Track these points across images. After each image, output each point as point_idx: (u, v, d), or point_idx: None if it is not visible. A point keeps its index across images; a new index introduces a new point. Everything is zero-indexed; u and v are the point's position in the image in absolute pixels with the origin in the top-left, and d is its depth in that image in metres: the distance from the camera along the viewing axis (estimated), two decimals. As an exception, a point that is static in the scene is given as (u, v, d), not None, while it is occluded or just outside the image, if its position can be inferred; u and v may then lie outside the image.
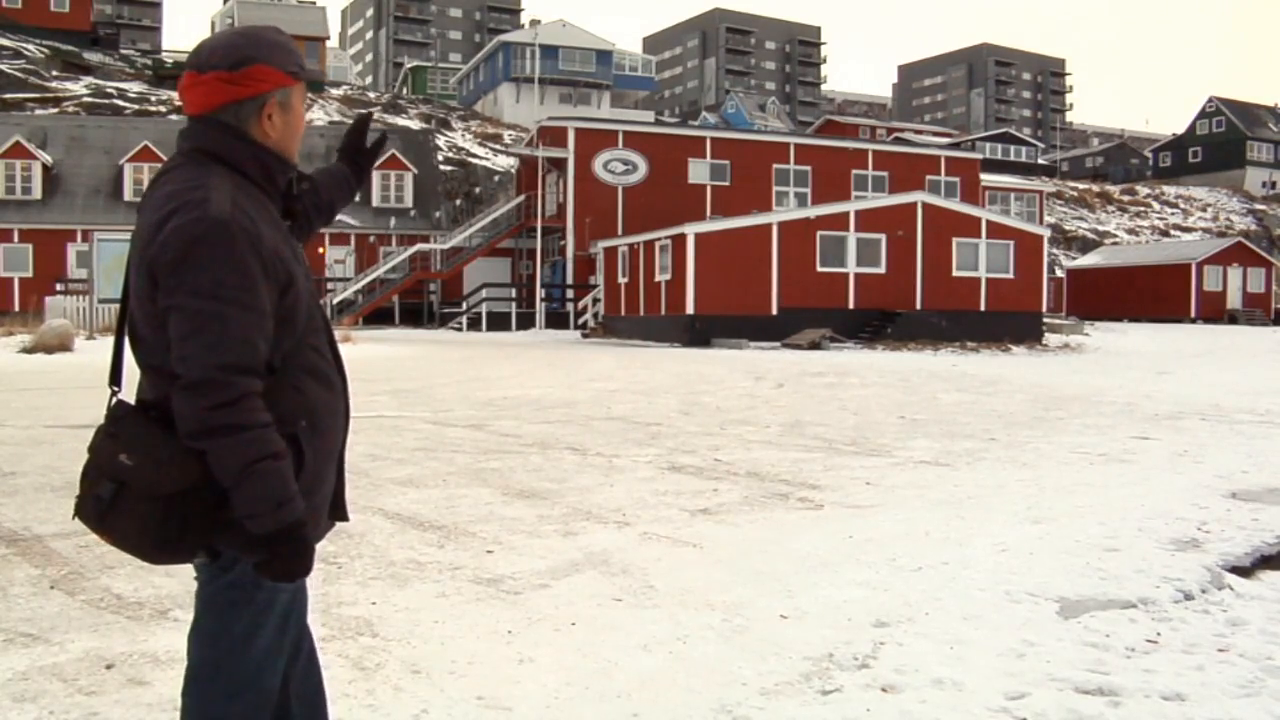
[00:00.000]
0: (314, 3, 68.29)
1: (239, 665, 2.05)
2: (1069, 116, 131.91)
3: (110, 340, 2.22)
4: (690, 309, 28.11)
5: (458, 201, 48.00)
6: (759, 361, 20.28)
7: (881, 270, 29.60)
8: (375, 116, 2.78)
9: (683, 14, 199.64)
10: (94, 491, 1.94)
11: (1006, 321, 29.94)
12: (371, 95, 66.10)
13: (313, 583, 2.44)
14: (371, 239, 40.30)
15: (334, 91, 61.19)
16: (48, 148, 39.53)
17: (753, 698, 3.23)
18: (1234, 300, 45.94)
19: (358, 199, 40.77)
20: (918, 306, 29.63)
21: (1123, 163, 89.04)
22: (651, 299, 30.90)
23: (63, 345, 18.73)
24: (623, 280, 33.10)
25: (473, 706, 3.14)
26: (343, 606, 4.09)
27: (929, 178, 42.03)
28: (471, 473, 7.21)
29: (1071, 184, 73.67)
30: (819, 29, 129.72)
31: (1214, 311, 45.03)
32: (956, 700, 3.21)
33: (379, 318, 37.50)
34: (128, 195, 38.31)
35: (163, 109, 49.98)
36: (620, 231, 36.42)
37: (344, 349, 2.37)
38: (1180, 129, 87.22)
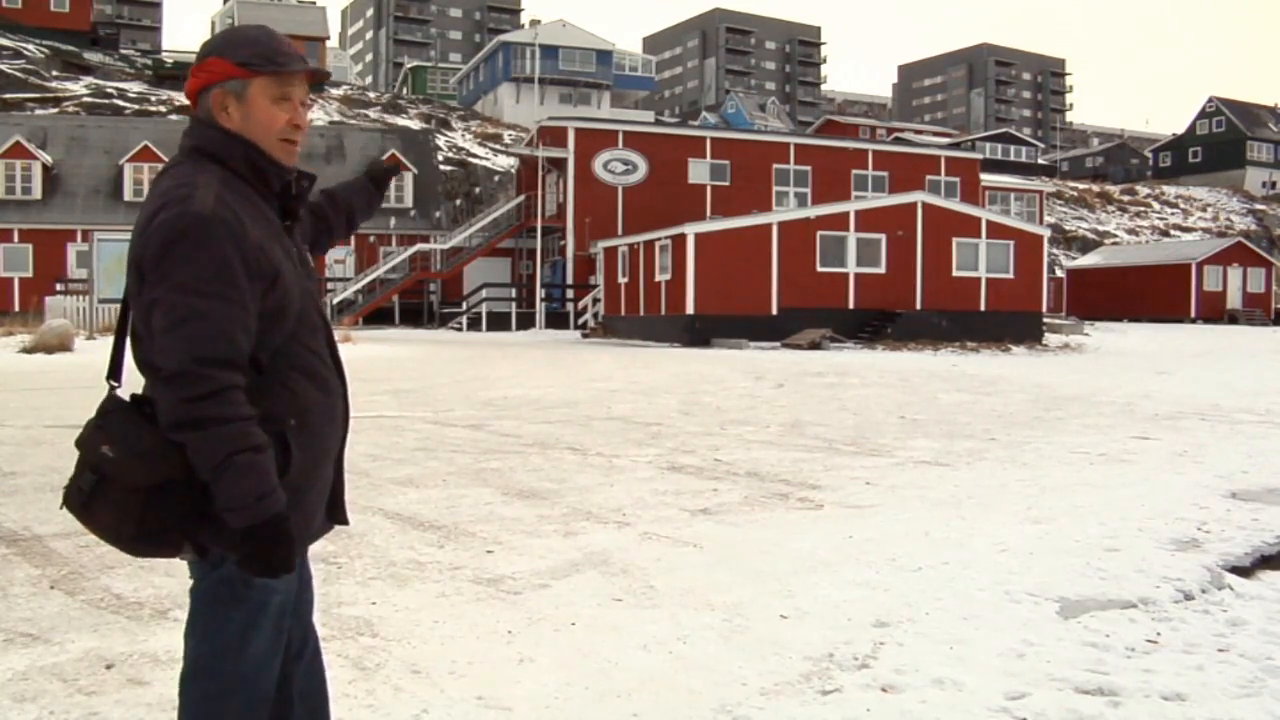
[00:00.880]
0: (314, 3, 68.29)
1: (233, 665, 2.05)
2: (1069, 116, 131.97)
3: (111, 340, 2.23)
4: (690, 309, 28.11)
5: (458, 201, 48.01)
6: (759, 361, 20.28)
7: (881, 270, 29.60)
8: (389, 156, 2.84)
9: (683, 14, 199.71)
10: (76, 482, 1.97)
11: (1006, 321, 29.94)
12: (371, 95, 66.10)
13: (313, 583, 2.43)
14: (371, 239, 40.29)
15: (334, 91, 61.19)
16: (48, 148, 39.53)
17: (753, 698, 3.23)
18: (1234, 300, 45.94)
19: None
20: (918, 306, 29.63)
21: (1123, 163, 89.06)
22: (651, 299, 30.90)
23: (63, 345, 18.73)
24: (623, 280, 33.10)
25: (473, 706, 3.14)
26: (343, 606, 4.09)
27: (929, 178, 42.03)
28: (472, 473, 7.21)
29: (1071, 184, 73.68)
30: (819, 29, 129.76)
31: (1214, 311, 45.03)
32: (956, 700, 3.21)
33: (379, 318, 37.50)
34: (128, 195, 38.32)
35: (163, 109, 49.99)
36: (620, 231, 36.42)
37: (344, 349, 2.37)
38: (1180, 129, 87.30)
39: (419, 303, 39.93)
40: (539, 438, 9.04)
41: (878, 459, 8.14)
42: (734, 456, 8.15)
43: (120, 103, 50.28)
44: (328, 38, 63.91)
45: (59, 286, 32.89)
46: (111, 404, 2.00)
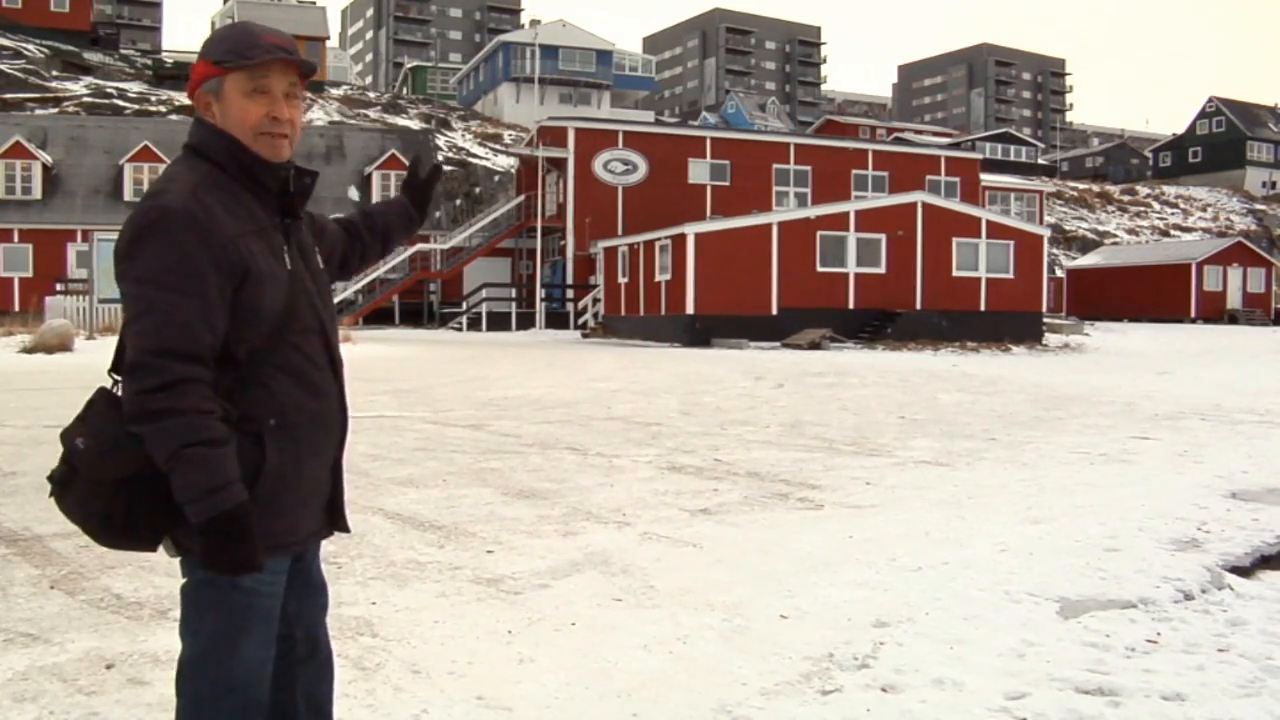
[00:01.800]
0: (314, 3, 68.29)
1: (223, 667, 2.05)
2: (1069, 116, 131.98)
3: (111, 340, 2.21)
4: (690, 309, 28.11)
5: (458, 201, 48.00)
6: (759, 361, 20.28)
7: (881, 270, 29.60)
8: (418, 157, 2.71)
9: (683, 14, 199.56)
10: (51, 473, 2.00)
11: (1006, 321, 29.94)
12: (371, 95, 66.11)
13: (326, 589, 2.43)
14: (371, 239, 40.23)
15: (334, 91, 61.20)
16: (48, 148, 39.52)
17: (753, 698, 3.23)
18: (1234, 300, 45.93)
19: (356, 197, 40.82)
20: (918, 306, 29.63)
21: (1123, 163, 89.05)
22: (651, 299, 30.90)
23: (63, 345, 18.72)
24: (623, 280, 33.10)
25: (473, 706, 3.14)
26: (343, 606, 4.09)
27: (929, 178, 42.03)
28: (471, 473, 7.21)
29: (1071, 184, 73.68)
30: (819, 29, 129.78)
31: (1214, 311, 45.02)
32: (956, 700, 3.21)
33: (379, 318, 37.50)
34: (128, 195, 38.31)
35: (163, 109, 50.00)
36: (620, 231, 36.42)
37: (344, 349, 2.35)
38: (1180, 129, 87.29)
39: (419, 303, 39.92)
40: (539, 438, 9.04)
41: (878, 459, 8.14)
42: (734, 456, 8.15)
43: (120, 103, 50.29)
44: (328, 38, 63.88)
45: (59, 286, 32.87)
46: (96, 396, 2.01)
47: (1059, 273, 50.95)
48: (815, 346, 26.11)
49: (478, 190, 49.65)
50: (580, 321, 36.98)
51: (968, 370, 18.97)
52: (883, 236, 29.57)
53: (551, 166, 39.44)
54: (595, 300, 36.42)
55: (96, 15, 64.92)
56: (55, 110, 46.98)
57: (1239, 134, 79.51)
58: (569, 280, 38.49)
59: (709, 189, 39.19)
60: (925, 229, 29.97)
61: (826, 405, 12.23)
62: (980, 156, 48.87)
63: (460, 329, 36.05)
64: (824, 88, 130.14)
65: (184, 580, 2.09)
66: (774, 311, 28.36)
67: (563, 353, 23.54)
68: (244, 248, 1.97)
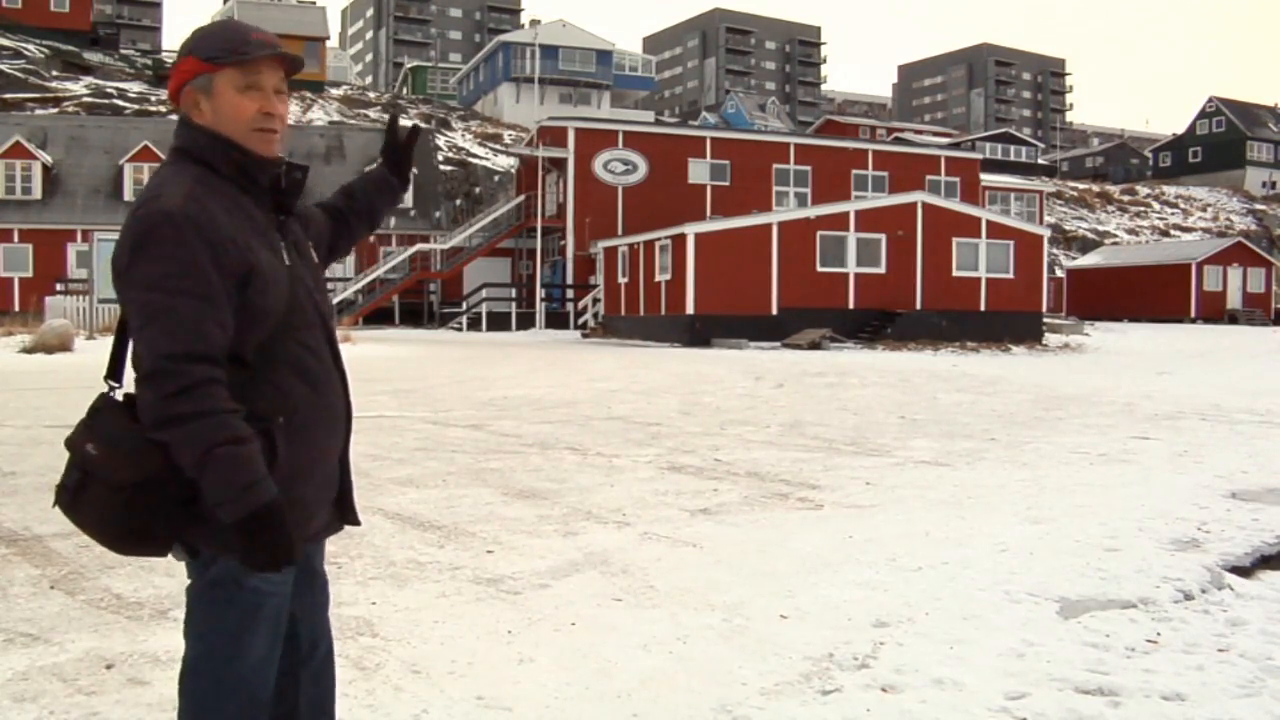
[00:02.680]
0: (314, 3, 68.26)
1: (228, 667, 2.05)
2: (1069, 116, 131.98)
3: (111, 340, 2.21)
4: (690, 309, 28.11)
5: (458, 201, 48.01)
6: (759, 361, 20.28)
7: (881, 270, 29.60)
8: (395, 114, 2.65)
9: (683, 14, 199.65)
10: (63, 480, 1.99)
11: (1006, 321, 29.93)
12: (371, 95, 66.10)
13: (328, 587, 2.43)
14: (371, 239, 40.28)
15: (334, 91, 61.20)
16: (48, 148, 39.53)
17: (753, 698, 3.23)
18: (1234, 300, 45.93)
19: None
20: (918, 306, 29.63)
21: (1123, 163, 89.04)
22: (651, 299, 30.90)
23: (63, 345, 18.73)
24: (623, 280, 33.09)
25: (473, 706, 3.14)
26: (343, 606, 4.09)
27: (929, 178, 42.02)
28: (471, 473, 7.21)
29: (1071, 184, 73.68)
30: (819, 29, 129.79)
31: (1214, 311, 45.02)
32: (956, 700, 3.21)
33: (379, 318, 37.50)
34: (128, 195, 38.31)
35: (163, 109, 49.97)
36: (620, 231, 36.42)
37: (344, 349, 2.35)
38: (1180, 129, 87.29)
39: (419, 303, 39.93)
40: (539, 438, 9.04)
41: (878, 459, 8.14)
42: (734, 456, 8.15)
43: (120, 103, 50.29)
44: (328, 38, 63.87)
45: (59, 286, 32.88)
46: (101, 403, 2.01)
47: (1059, 273, 50.95)
48: (815, 346, 26.10)
49: (478, 190, 49.66)
50: (580, 321, 36.98)
51: (968, 370, 18.97)
52: (883, 236, 29.57)
53: (551, 166, 39.44)
54: (595, 300, 36.42)
55: (96, 15, 64.89)
56: (55, 110, 46.98)
57: (1239, 134, 79.49)
58: (569, 280, 38.48)
59: (709, 189, 39.18)
60: (925, 229, 29.97)
61: (826, 405, 12.22)
62: (980, 156, 48.87)
63: (460, 329, 36.05)
64: (824, 88, 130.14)
65: (190, 582, 2.09)
66: (774, 311, 28.36)
67: (563, 353, 23.54)
68: (244, 247, 1.97)
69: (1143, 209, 70.20)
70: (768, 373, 16.90)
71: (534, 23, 69.07)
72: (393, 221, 40.70)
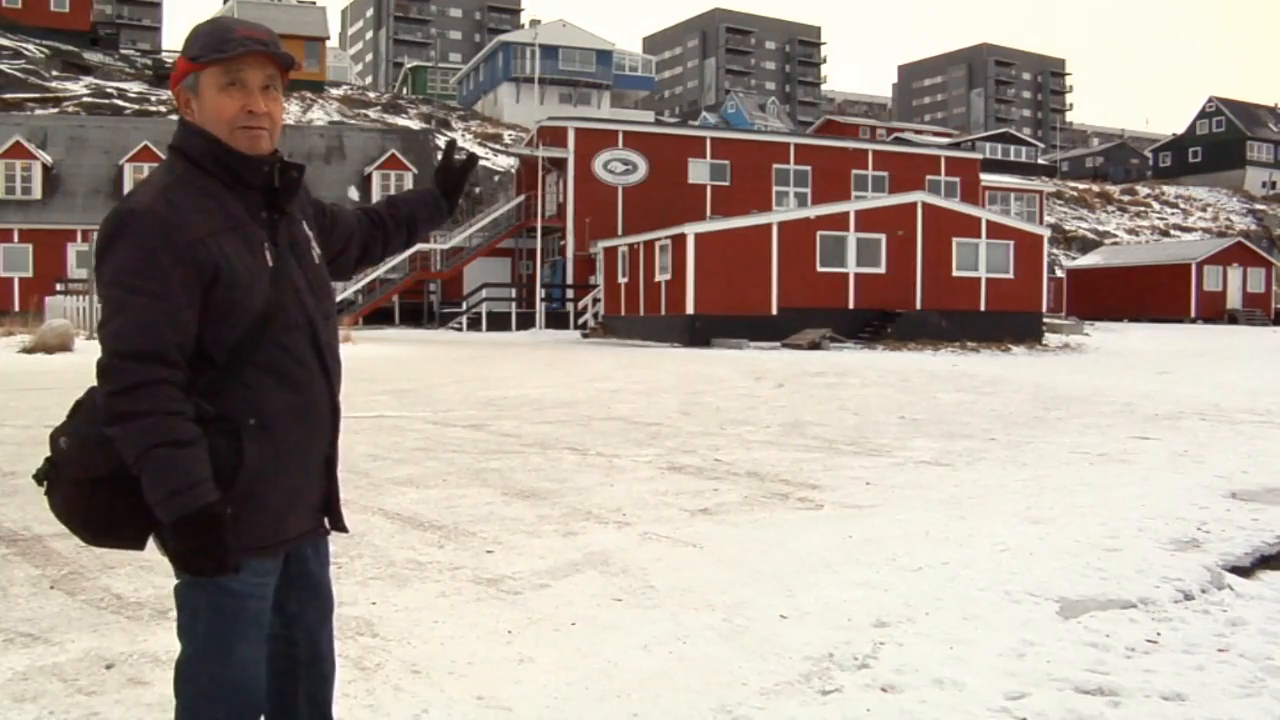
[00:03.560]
0: (314, 3, 68.27)
1: (216, 668, 2.04)
2: (1069, 116, 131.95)
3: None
4: (690, 309, 28.10)
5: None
6: (759, 361, 20.28)
7: (881, 270, 29.59)
8: (452, 141, 2.64)
9: (683, 14, 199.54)
10: (36, 471, 2.01)
11: (1006, 321, 29.93)
12: (371, 95, 66.10)
13: (329, 592, 2.43)
14: (372, 239, 40.23)
15: (334, 91, 61.19)
16: (48, 148, 39.53)
17: (753, 698, 3.23)
18: (1234, 300, 45.93)
19: (355, 197, 40.81)
20: (918, 306, 29.63)
21: (1123, 163, 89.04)
22: (651, 299, 30.90)
23: (63, 345, 18.73)
24: (623, 280, 33.09)
25: (473, 706, 3.14)
26: (343, 606, 4.09)
27: (929, 178, 42.02)
28: (471, 473, 7.21)
29: (1071, 184, 73.67)
30: (819, 29, 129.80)
31: (1214, 311, 45.02)
32: (956, 700, 3.21)
33: (379, 317, 37.49)
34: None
35: (163, 109, 49.98)
36: (620, 231, 36.41)
37: (344, 349, 2.34)
38: (1180, 129, 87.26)
39: (419, 303, 39.91)
40: (539, 438, 9.04)
41: (878, 459, 8.14)
42: (734, 456, 8.15)
43: (120, 103, 50.29)
44: (328, 38, 63.86)
45: (59, 286, 32.86)
46: (85, 397, 2.02)
47: (1059, 273, 50.94)
48: (815, 346, 26.10)
49: (478, 190, 49.64)
50: (580, 321, 36.97)
51: (968, 370, 18.97)
52: (883, 236, 29.57)
53: (551, 166, 39.43)
54: (595, 300, 36.42)
55: (96, 15, 64.90)
56: (55, 110, 46.97)
57: (1239, 134, 79.49)
58: (569, 280, 38.48)
59: (709, 189, 39.18)
60: (925, 229, 29.97)
61: (826, 405, 12.22)
62: (980, 156, 48.87)
63: (460, 329, 36.04)
64: (824, 88, 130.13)
65: (176, 581, 2.09)
66: (774, 311, 28.36)
67: (563, 353, 23.53)
68: (214, 246, 1.95)
69: (1143, 209, 70.20)
70: (768, 373, 16.90)
71: (534, 23, 69.07)
72: (393, 221, 40.63)
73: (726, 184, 39.33)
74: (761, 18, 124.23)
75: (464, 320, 36.68)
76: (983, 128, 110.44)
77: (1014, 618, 4.03)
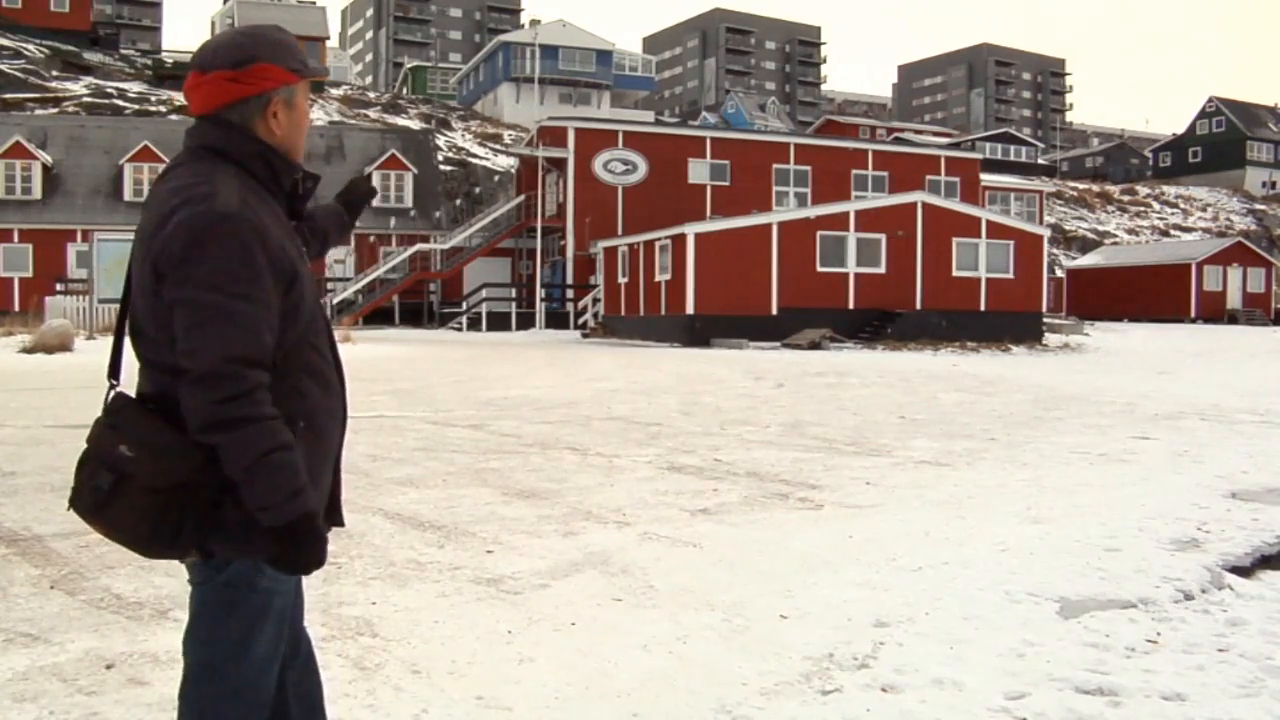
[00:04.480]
0: (314, 3, 68.29)
1: (236, 669, 2.05)
2: (1069, 116, 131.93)
3: (111, 339, 2.20)
4: (690, 309, 28.10)
5: (458, 201, 48.00)
6: (759, 361, 20.28)
7: (881, 270, 29.59)
8: (366, 178, 2.77)
9: (683, 14, 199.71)
10: (92, 482, 1.94)
11: (1006, 321, 29.93)
12: (371, 95, 66.12)
13: (312, 582, 2.44)
14: (371, 239, 40.29)
15: (334, 91, 61.19)
16: (48, 148, 39.51)
17: (753, 698, 3.23)
18: (1234, 300, 45.93)
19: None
20: (918, 306, 29.62)
21: (1123, 163, 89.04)
22: (651, 299, 30.90)
23: (63, 345, 18.73)
24: (623, 280, 33.09)
25: (473, 706, 3.14)
26: (343, 606, 4.09)
27: (929, 178, 42.01)
28: (471, 473, 7.21)
29: (1071, 184, 73.67)
30: (819, 29, 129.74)
31: (1214, 311, 45.01)
32: (956, 700, 3.21)
33: (379, 318, 37.49)
34: (128, 195, 38.31)
35: (163, 109, 50.00)
36: (620, 231, 36.41)
37: (344, 349, 2.36)
38: (1180, 129, 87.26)
39: (419, 303, 39.90)
40: (539, 438, 9.04)
41: (878, 459, 8.14)
42: (734, 456, 8.15)
43: (120, 103, 50.28)
44: (328, 38, 63.88)
45: (59, 286, 32.89)
46: (119, 402, 1.98)
47: (1059, 273, 50.94)
48: (815, 346, 26.10)
49: (478, 190, 49.65)
50: (580, 321, 36.97)
51: (968, 370, 18.97)
52: (883, 236, 29.56)
53: (551, 166, 39.43)
54: (595, 300, 36.42)
55: (96, 15, 64.91)
56: (55, 110, 46.96)
57: (1239, 134, 79.48)
58: (569, 280, 38.48)
59: (709, 189, 39.17)
60: (925, 229, 29.97)
61: (826, 405, 12.22)
62: (980, 156, 48.86)
63: (460, 329, 36.04)
64: (824, 88, 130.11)
65: (197, 585, 2.07)
66: (774, 311, 28.35)
67: (563, 353, 23.54)
68: (290, 251, 1.99)
69: (1143, 209, 70.21)
70: (767, 373, 16.90)
71: (534, 23, 69.07)
72: (393, 221, 40.71)
73: (726, 184, 39.32)
74: (761, 18, 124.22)
75: (464, 320, 36.68)
76: (983, 128, 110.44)
77: (1014, 618, 4.03)
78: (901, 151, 45.76)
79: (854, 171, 41.53)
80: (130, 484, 1.91)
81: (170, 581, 4.28)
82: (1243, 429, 10.36)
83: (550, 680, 3.35)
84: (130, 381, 2.03)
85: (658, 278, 30.27)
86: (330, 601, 4.11)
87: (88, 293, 27.19)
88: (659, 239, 30.16)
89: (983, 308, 30.43)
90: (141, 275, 1.95)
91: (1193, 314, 44.85)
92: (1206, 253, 46.59)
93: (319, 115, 52.67)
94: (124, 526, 1.95)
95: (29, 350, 18.50)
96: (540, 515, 5.84)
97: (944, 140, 70.69)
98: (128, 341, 2.05)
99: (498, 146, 54.04)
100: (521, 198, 41.42)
